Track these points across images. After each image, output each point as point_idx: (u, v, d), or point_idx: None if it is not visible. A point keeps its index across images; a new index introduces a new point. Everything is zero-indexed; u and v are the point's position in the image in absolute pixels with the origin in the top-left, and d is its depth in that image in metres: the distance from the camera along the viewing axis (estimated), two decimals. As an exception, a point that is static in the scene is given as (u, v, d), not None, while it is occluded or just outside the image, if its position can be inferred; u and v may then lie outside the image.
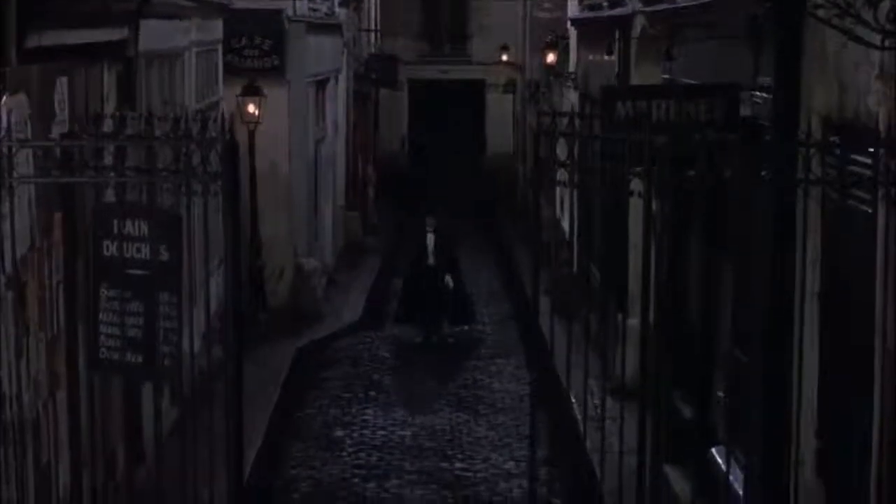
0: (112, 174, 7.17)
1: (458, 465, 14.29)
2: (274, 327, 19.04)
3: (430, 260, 20.08)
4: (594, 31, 19.09)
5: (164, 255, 7.16)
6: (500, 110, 39.83)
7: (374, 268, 25.63)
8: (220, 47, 17.95)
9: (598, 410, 9.28)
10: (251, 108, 19.08)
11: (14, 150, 7.09)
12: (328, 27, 23.45)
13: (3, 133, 7.12)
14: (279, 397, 15.97)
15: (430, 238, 20.20)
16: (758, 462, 9.74)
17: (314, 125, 22.53)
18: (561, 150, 7.81)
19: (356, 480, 13.73)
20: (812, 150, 7.23)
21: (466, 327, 20.49)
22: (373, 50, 31.56)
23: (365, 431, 15.43)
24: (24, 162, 8.36)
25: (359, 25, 29.00)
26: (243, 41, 19.64)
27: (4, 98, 8.07)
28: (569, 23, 22.26)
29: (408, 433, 15.33)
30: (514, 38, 37.43)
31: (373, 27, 32.23)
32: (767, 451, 9.55)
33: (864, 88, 7.64)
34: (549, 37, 24.90)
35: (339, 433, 15.34)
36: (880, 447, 7.94)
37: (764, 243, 8.99)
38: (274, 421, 15.03)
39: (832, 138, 7.81)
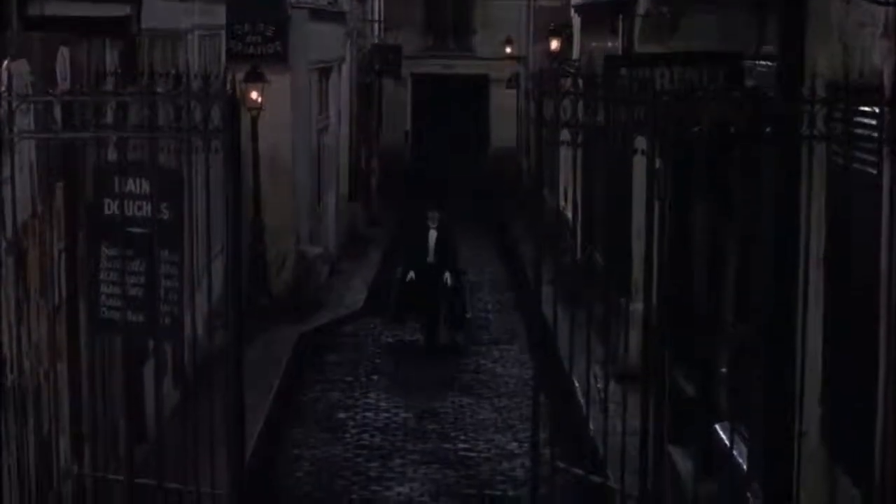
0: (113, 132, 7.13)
1: (461, 445, 14.27)
2: (276, 314, 18.99)
3: (431, 257, 18.81)
4: (598, 17, 19.04)
5: (166, 214, 7.13)
6: (503, 105, 39.80)
7: (376, 258, 25.58)
8: (223, 33, 17.92)
9: (602, 394, 9.24)
10: (254, 95, 19.01)
11: (15, 105, 7.06)
12: (332, 15, 23.43)
13: (3, 88, 7.08)
14: (281, 381, 15.91)
15: (432, 234, 18.91)
16: (761, 434, 9.71)
17: (317, 113, 22.50)
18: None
19: (359, 460, 13.70)
20: (817, 107, 7.18)
21: (458, 335, 18.95)
22: (376, 41, 31.54)
23: (368, 414, 15.41)
24: (27, 124, 8.39)
25: (362, 17, 28.97)
26: (246, 27, 19.60)
27: (6, 61, 8.05)
28: (572, 10, 22.23)
29: (411, 415, 15.30)
30: (518, 32, 37.42)
31: (377, 18, 32.19)
32: (771, 422, 9.52)
33: (869, 48, 7.61)
34: (553, 25, 24.88)
35: (342, 415, 15.32)
36: (885, 412, 7.90)
37: (768, 207, 8.97)
38: (276, 404, 14.97)
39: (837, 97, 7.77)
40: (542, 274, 8.84)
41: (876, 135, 7.37)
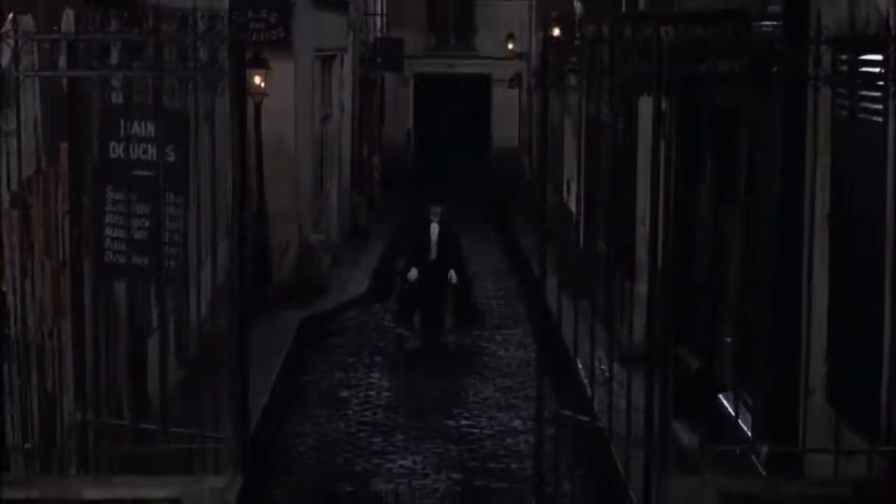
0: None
1: (463, 422, 14.26)
2: (279, 300, 18.94)
3: (433, 254, 17.90)
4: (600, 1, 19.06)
5: (171, 156, 7.12)
6: (505, 104, 39.80)
7: (379, 251, 25.56)
8: (226, 17, 17.88)
9: (605, 374, 9.20)
10: (257, 81, 18.97)
11: (21, 43, 7.06)
12: (335, 4, 23.44)
13: (9, 28, 7.09)
14: (283, 363, 15.88)
15: (434, 228, 17.92)
16: (766, 396, 9.69)
17: (320, 102, 22.49)
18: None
19: (362, 435, 13.70)
20: (823, 48, 7.18)
21: (470, 331, 18.19)
22: (379, 36, 31.55)
23: (371, 392, 15.40)
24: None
25: (365, 10, 28.98)
26: (249, 13, 19.55)
27: (11, 14, 8.05)
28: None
29: (413, 394, 15.29)
30: (520, 30, 37.42)
31: (379, 12, 32.17)
32: (776, 383, 9.51)
33: (875, -4, 7.62)
34: (556, 14, 24.87)
35: (345, 394, 15.32)
36: (891, 367, 7.89)
37: (773, 165, 8.97)
38: (278, 384, 14.94)
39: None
40: (546, 252, 8.83)
41: (882, 83, 7.37)
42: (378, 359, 17.13)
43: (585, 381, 13.11)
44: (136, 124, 7.17)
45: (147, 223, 7.20)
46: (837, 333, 8.83)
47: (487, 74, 40.41)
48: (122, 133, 7.19)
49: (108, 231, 7.35)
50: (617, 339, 13.48)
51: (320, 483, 12.24)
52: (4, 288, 8.07)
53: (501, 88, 39.87)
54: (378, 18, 32.22)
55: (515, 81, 38.27)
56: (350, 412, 14.55)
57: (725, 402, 11.15)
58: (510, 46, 37.04)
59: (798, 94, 8.45)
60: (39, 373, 8.48)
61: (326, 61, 23.29)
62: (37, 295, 8.73)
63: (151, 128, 7.14)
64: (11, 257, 8.16)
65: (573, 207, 23.40)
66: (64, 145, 9.60)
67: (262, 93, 19.02)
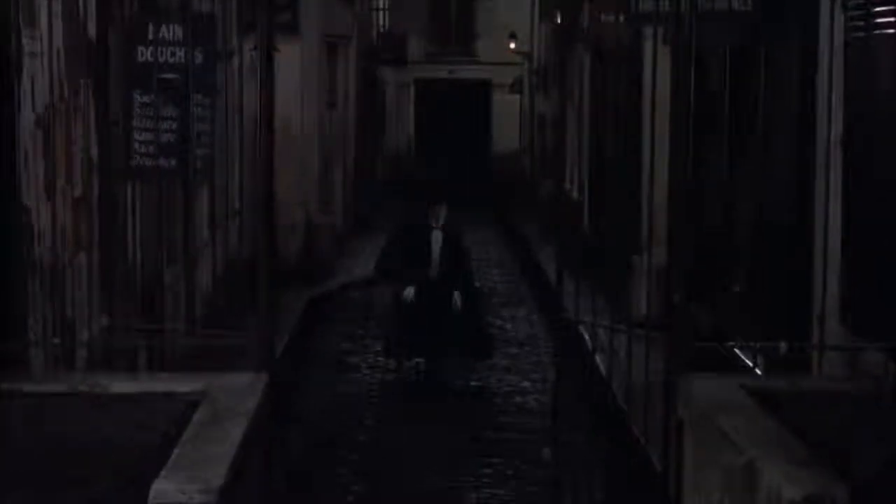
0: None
1: (473, 383, 14.38)
2: (285, 279, 18.94)
3: (435, 268, 14.31)
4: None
5: (199, 58, 7.23)
6: (506, 109, 39.94)
7: (381, 242, 25.63)
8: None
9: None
10: (265, 62, 19.06)
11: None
12: (340, -7, 23.61)
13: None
14: (293, 333, 15.94)
15: (437, 236, 14.37)
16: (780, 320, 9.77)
17: (325, 87, 22.62)
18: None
19: (372, 395, 13.80)
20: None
21: (480, 364, 14.82)
22: (381, 31, 31.72)
23: (380, 359, 15.47)
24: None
25: (369, 6, 29.13)
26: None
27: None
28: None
29: (422, 360, 15.33)
30: (521, 33, 37.54)
31: (382, 6, 32.31)
32: (790, 312, 9.61)
33: None
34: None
35: (354, 360, 15.43)
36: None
37: (787, 93, 9.10)
38: (288, 350, 14.99)
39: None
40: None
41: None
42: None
43: (591, 346, 13.27)
44: (163, 28, 7.28)
45: (174, 125, 7.30)
46: (851, 257, 8.92)
47: (488, 80, 40.56)
48: (149, 37, 7.29)
49: (135, 135, 7.45)
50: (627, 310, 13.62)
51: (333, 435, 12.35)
52: (28, 203, 8.15)
53: (502, 94, 40.02)
54: (382, 14, 32.32)
55: (516, 86, 38.40)
56: (359, 375, 14.65)
57: (739, 353, 11.22)
58: (512, 46, 37.15)
59: (811, 15, 8.59)
60: (60, 300, 8.56)
61: (332, 48, 23.43)
62: (58, 222, 8.81)
63: (179, 31, 7.25)
64: (37, 177, 8.25)
65: (576, 195, 23.60)
66: (86, 81, 9.71)
67: (269, 74, 19.12)
